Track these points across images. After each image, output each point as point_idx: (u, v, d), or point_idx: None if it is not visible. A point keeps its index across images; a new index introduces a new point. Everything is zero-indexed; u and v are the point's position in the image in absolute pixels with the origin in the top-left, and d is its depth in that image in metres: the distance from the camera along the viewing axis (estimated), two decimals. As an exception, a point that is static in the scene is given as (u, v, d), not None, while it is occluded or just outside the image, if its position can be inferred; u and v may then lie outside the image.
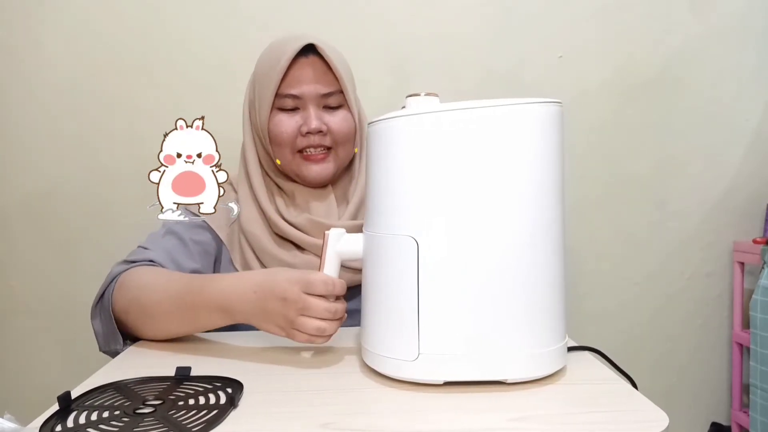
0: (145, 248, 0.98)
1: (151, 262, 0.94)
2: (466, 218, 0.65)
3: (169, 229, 1.01)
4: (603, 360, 0.78)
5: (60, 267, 1.58)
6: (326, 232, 0.77)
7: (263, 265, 1.01)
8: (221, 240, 1.05)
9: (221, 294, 0.80)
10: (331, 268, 0.76)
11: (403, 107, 0.70)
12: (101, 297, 0.92)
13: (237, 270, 1.03)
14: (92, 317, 0.93)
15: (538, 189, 0.67)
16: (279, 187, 1.07)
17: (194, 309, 0.83)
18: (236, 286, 0.79)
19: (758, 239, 1.49)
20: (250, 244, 1.02)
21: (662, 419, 0.58)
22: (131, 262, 0.94)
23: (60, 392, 0.63)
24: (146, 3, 1.52)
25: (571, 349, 0.78)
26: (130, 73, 1.54)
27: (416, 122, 0.67)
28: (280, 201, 1.05)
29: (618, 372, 0.74)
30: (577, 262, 1.60)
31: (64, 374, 1.59)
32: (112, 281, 0.91)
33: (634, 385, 0.70)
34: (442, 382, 0.67)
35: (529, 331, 0.67)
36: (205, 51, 1.53)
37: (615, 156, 1.60)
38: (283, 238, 1.02)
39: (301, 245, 1.01)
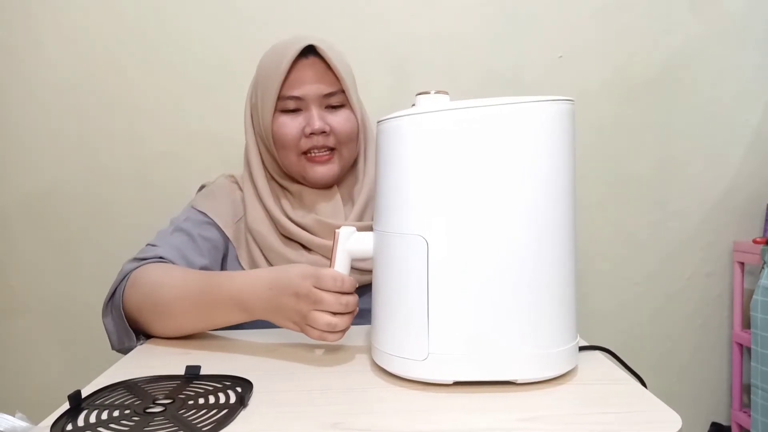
0: (155, 245, 0.97)
1: (161, 258, 0.94)
2: (476, 217, 0.65)
3: (178, 227, 1.01)
4: (613, 360, 0.78)
5: (60, 267, 1.57)
6: (336, 230, 0.77)
7: (270, 263, 1.01)
8: (228, 237, 1.05)
9: (238, 292, 0.80)
10: (341, 266, 0.76)
11: (413, 105, 0.70)
12: (112, 295, 0.92)
13: (242, 267, 1.03)
14: (104, 315, 0.93)
15: (550, 187, 0.66)
16: (284, 188, 1.07)
17: (211, 306, 0.83)
18: (251, 283, 0.80)
19: (758, 239, 1.49)
20: (257, 242, 1.02)
21: (675, 420, 0.57)
22: (142, 260, 0.93)
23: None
24: (146, 3, 1.52)
25: (582, 348, 0.77)
26: (130, 73, 1.53)
27: (426, 120, 0.67)
28: (285, 202, 1.05)
29: (629, 372, 0.74)
30: (577, 262, 1.60)
31: (64, 374, 1.59)
32: (123, 279, 0.91)
33: (644, 386, 0.70)
34: (451, 382, 0.67)
35: (539, 332, 0.66)
36: (205, 51, 1.53)
37: (615, 156, 1.60)
38: (289, 239, 1.02)
39: (308, 246, 1.01)
